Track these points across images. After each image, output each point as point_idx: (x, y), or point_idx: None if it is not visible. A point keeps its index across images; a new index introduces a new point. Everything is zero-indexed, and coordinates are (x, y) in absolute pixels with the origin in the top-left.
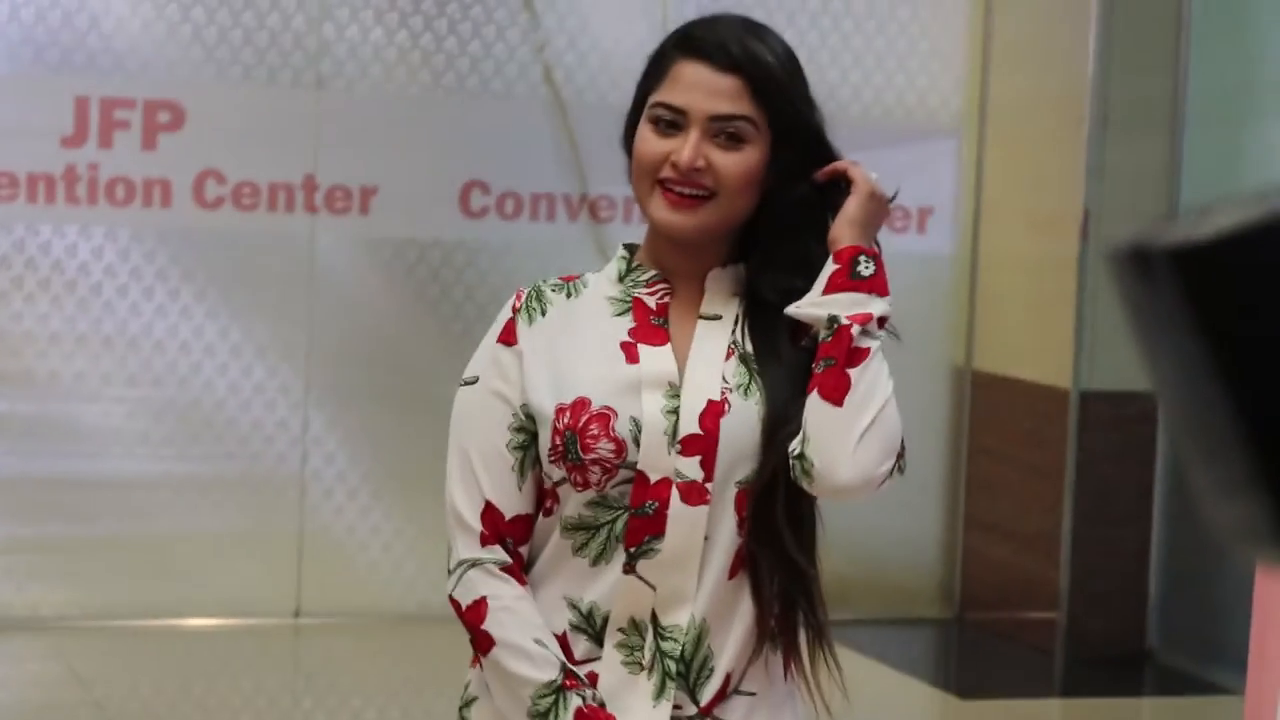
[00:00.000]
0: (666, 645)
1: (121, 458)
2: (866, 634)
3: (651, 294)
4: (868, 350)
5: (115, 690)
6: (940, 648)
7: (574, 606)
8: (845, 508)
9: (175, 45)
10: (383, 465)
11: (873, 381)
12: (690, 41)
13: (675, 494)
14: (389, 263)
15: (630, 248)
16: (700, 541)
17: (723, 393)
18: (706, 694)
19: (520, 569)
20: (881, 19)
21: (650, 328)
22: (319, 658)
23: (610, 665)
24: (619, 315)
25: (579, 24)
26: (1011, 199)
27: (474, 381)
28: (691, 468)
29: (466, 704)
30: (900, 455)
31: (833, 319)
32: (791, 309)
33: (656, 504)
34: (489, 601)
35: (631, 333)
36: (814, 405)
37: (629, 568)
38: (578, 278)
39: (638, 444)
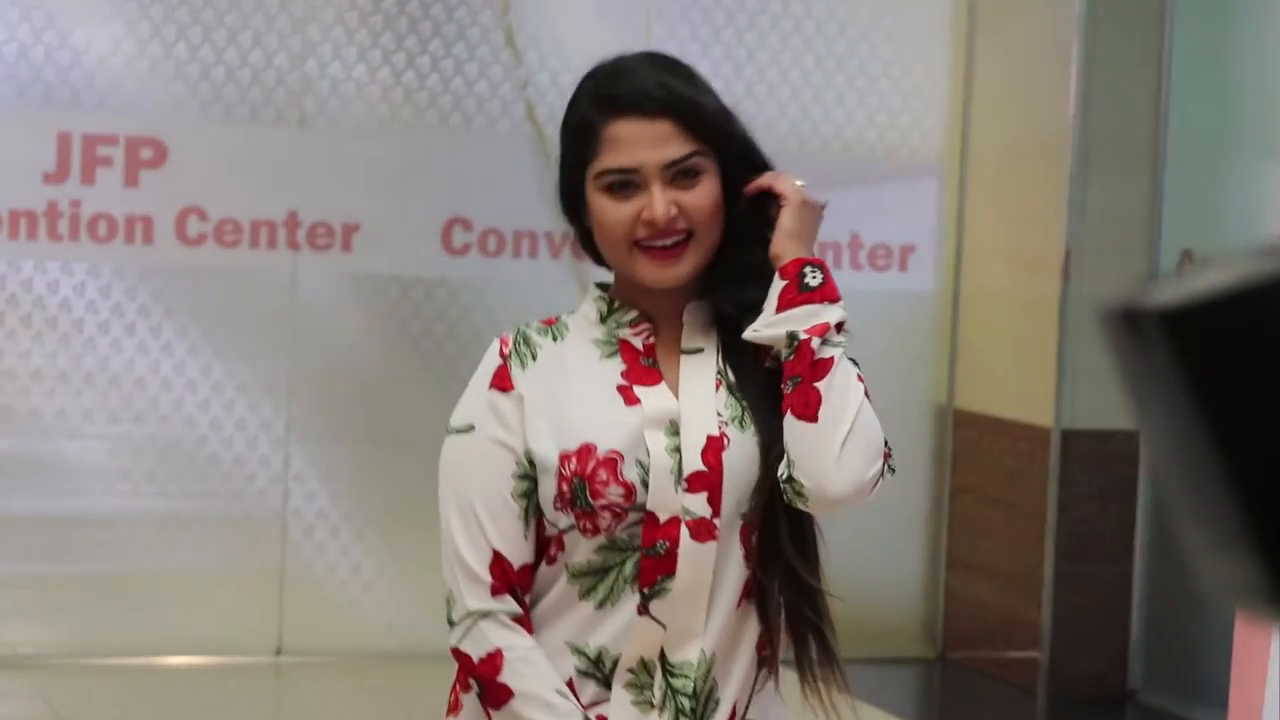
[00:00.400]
0: (677, 682)
1: (103, 495)
2: (849, 673)
3: (637, 334)
4: (831, 359)
5: None
6: (923, 687)
7: (579, 652)
8: (828, 542)
9: (158, 82)
10: (365, 503)
11: (843, 389)
12: (612, 101)
13: (685, 532)
14: (371, 300)
15: (604, 287)
16: (709, 577)
17: (720, 427)
18: None
19: (528, 619)
20: (864, 58)
21: (642, 369)
22: (300, 696)
23: (620, 706)
24: (608, 358)
25: (561, 61)
26: (993, 238)
27: (467, 430)
28: (699, 504)
29: None
30: (887, 455)
31: (792, 336)
32: (749, 333)
33: (668, 543)
34: (504, 653)
35: (625, 375)
36: (790, 426)
37: (643, 608)
38: (556, 320)
39: (646, 486)
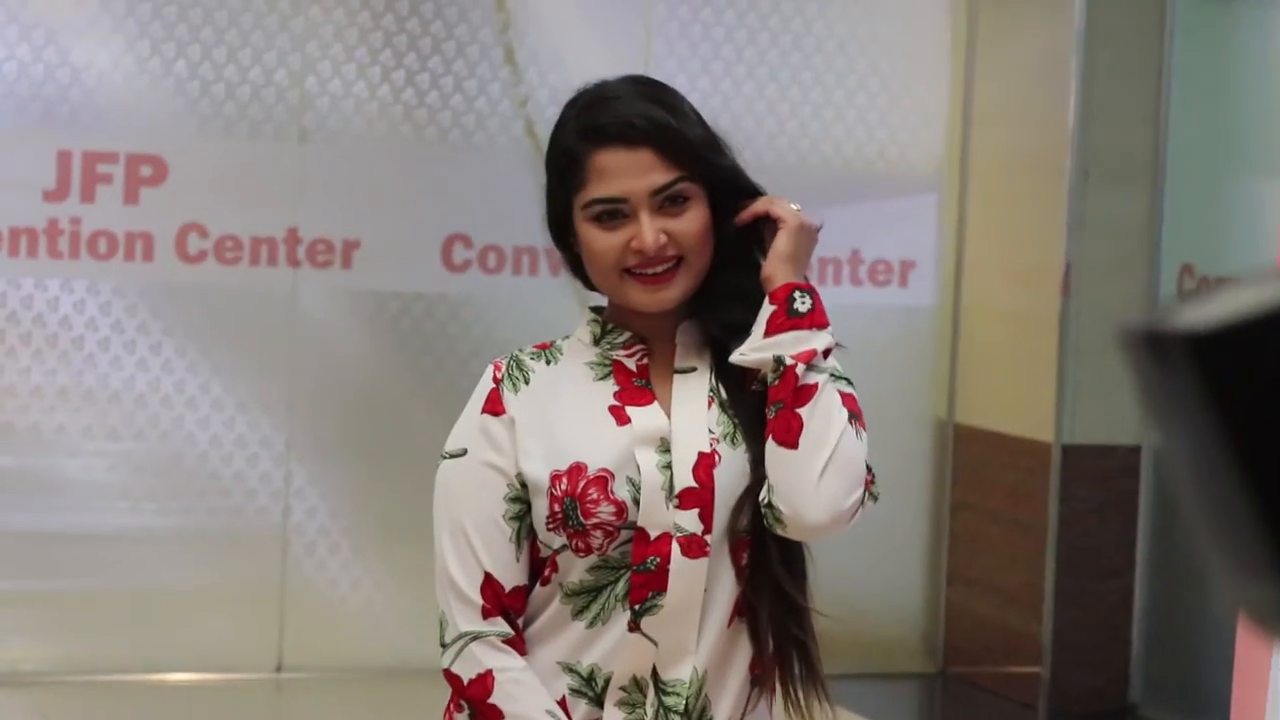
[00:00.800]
0: (670, 700)
1: (103, 512)
2: (850, 689)
3: (630, 355)
4: (815, 386)
5: None
6: (924, 702)
7: (572, 671)
8: (826, 561)
9: (158, 99)
10: (365, 519)
11: (825, 416)
12: (597, 131)
13: (676, 548)
14: (371, 316)
15: (597, 310)
16: (701, 594)
17: (711, 444)
18: None
19: (521, 641)
20: (863, 73)
21: (634, 389)
22: (301, 712)
23: None
24: (601, 380)
25: (561, 78)
26: (993, 253)
27: (460, 454)
28: (691, 521)
29: None
30: (870, 482)
31: (778, 360)
32: (735, 356)
33: (658, 559)
34: (495, 675)
35: (617, 396)
36: (771, 451)
37: (634, 625)
38: (551, 345)
39: (638, 504)
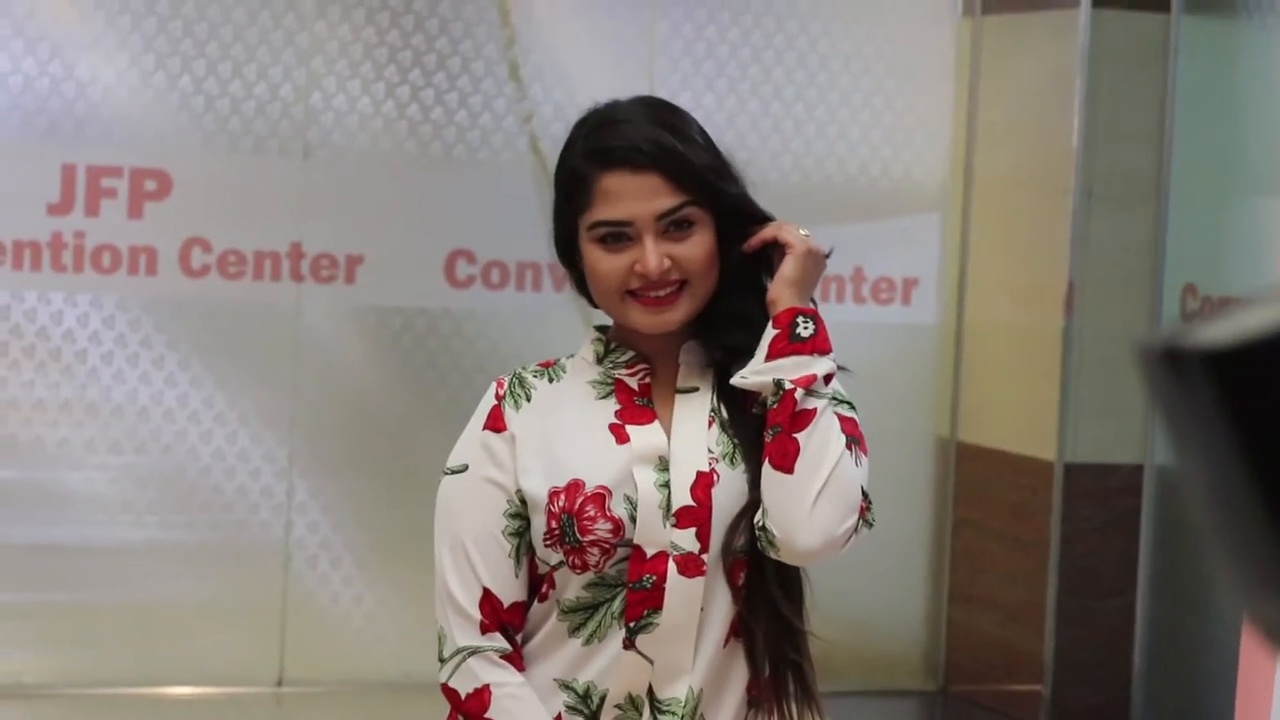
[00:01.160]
0: (665, 719)
1: (105, 525)
2: (851, 706)
3: (632, 374)
4: (814, 411)
5: None
6: None
7: (568, 688)
8: (828, 578)
9: (162, 114)
10: (367, 533)
11: (822, 442)
12: (604, 154)
13: (672, 567)
14: (374, 331)
15: (602, 329)
16: (697, 613)
17: (710, 463)
18: None
19: (519, 656)
20: (867, 92)
21: (635, 408)
22: None
23: None
24: (603, 398)
25: (565, 94)
26: (996, 271)
27: (461, 470)
28: (687, 539)
29: None
30: (865, 509)
31: (778, 384)
32: (736, 379)
33: (654, 577)
34: (493, 690)
35: (619, 414)
36: (767, 475)
37: (629, 643)
38: (555, 363)
39: (634, 521)
